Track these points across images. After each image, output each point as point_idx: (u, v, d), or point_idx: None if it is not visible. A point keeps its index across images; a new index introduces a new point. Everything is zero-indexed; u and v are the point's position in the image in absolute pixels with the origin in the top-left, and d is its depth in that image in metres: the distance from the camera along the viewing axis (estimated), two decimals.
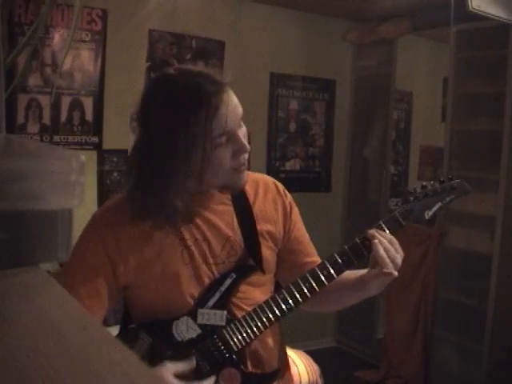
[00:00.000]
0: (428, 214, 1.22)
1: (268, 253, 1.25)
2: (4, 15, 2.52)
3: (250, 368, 1.21)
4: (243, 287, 1.21)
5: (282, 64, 3.68)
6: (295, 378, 2.47)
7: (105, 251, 1.14)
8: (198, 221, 1.18)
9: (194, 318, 1.17)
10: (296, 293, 1.18)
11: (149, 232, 1.14)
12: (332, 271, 1.19)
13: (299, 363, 2.55)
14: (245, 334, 1.17)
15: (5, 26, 2.57)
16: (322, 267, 1.19)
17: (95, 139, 3.08)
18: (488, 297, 2.88)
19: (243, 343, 1.18)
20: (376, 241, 1.15)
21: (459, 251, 3.07)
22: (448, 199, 1.24)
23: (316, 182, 3.95)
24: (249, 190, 1.26)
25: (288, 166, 3.80)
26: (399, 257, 1.15)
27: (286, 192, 1.34)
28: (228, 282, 1.18)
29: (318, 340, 3.76)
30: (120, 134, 3.16)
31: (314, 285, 1.18)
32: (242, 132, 1.13)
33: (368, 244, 1.18)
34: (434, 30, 3.56)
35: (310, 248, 1.35)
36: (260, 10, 3.53)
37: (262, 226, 1.24)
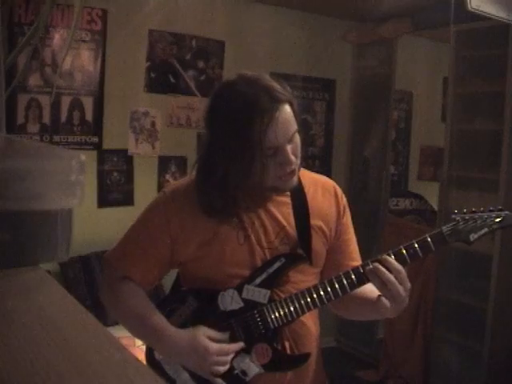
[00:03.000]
0: (473, 237, 1.28)
1: (319, 246, 1.34)
2: (4, 15, 2.52)
3: (282, 347, 1.29)
4: (290, 273, 1.29)
5: (282, 64, 3.67)
6: None
7: (168, 228, 1.27)
8: (258, 208, 1.29)
9: (240, 292, 1.27)
10: (337, 285, 1.25)
11: (210, 215, 1.25)
12: (354, 278, 1.26)
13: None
14: (283, 314, 1.26)
15: (5, 26, 2.57)
16: (348, 274, 1.27)
17: (95, 139, 3.08)
18: (488, 297, 2.88)
19: (280, 322, 1.26)
20: (373, 274, 1.22)
21: (459, 251, 3.07)
22: (495, 227, 1.32)
23: None
24: (307, 187, 1.36)
25: None
26: (401, 289, 1.22)
27: (343, 197, 1.45)
28: (277, 265, 1.27)
29: None
30: (120, 134, 3.17)
31: (356, 281, 1.25)
32: (292, 146, 1.21)
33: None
34: (434, 29, 3.56)
35: (355, 253, 1.43)
36: (260, 10, 3.53)
37: (315, 221, 1.33)
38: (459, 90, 3.12)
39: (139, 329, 1.28)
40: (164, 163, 3.31)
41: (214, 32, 3.37)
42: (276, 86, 1.20)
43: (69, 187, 0.47)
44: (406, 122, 4.32)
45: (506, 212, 1.33)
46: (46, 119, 2.92)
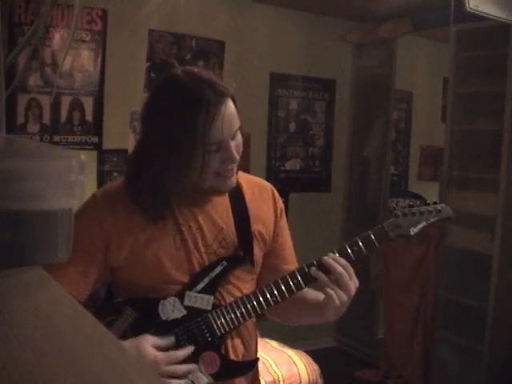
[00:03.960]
0: (413, 231, 1.29)
1: (258, 252, 1.30)
2: (4, 15, 2.52)
3: (230, 355, 1.25)
4: (232, 278, 1.25)
5: (282, 64, 3.68)
6: (295, 377, 2.48)
7: (101, 231, 1.19)
8: (195, 209, 1.23)
9: (181, 300, 1.21)
10: (283, 286, 1.23)
11: (144, 216, 1.19)
12: (300, 280, 1.25)
13: (299, 363, 2.55)
14: (229, 320, 1.22)
15: (5, 26, 2.57)
16: (293, 276, 1.25)
17: (95, 139, 3.08)
18: (488, 297, 2.88)
19: (226, 329, 1.22)
20: (324, 269, 1.21)
21: (459, 251, 3.07)
22: (432, 220, 1.31)
23: (316, 182, 3.95)
24: (246, 189, 1.31)
25: (288, 165, 3.80)
26: (352, 284, 1.20)
27: (280, 199, 1.39)
28: (218, 269, 1.23)
29: (317, 340, 3.76)
30: (120, 134, 3.17)
31: (302, 282, 1.23)
32: (235, 143, 1.17)
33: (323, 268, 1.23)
34: (434, 29, 3.57)
35: (292, 257, 1.40)
36: (260, 10, 3.53)
37: (254, 226, 1.29)
38: (459, 90, 3.12)
39: None
40: None
41: (214, 32, 3.37)
42: (218, 80, 1.17)
43: (69, 187, 0.47)
44: (406, 122, 4.32)
45: (442, 205, 1.33)
46: (46, 119, 2.92)
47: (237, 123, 1.17)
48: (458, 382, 3.07)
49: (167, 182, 1.16)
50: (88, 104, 3.03)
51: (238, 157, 1.18)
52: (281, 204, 1.38)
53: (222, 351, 1.23)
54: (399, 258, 3.32)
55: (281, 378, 2.44)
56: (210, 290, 1.22)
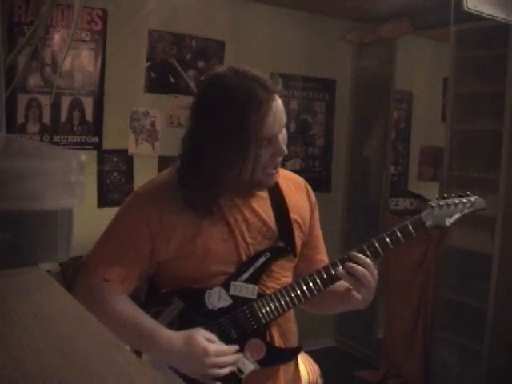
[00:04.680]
0: (448, 222, 1.35)
1: (298, 239, 1.35)
2: (4, 15, 2.52)
3: (274, 342, 1.29)
4: (275, 267, 1.30)
5: (282, 64, 3.67)
6: None
7: (148, 228, 1.23)
8: (240, 203, 1.29)
9: (227, 289, 1.25)
10: (325, 275, 1.27)
11: (194, 212, 1.23)
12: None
13: (299, 363, 2.55)
14: (274, 308, 1.26)
15: (5, 26, 2.57)
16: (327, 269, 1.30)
17: (95, 139, 3.08)
18: (488, 297, 2.88)
19: (271, 317, 1.26)
20: (343, 271, 1.26)
21: (459, 251, 3.07)
22: (466, 211, 1.37)
23: (316, 182, 3.94)
24: (282, 184, 1.36)
25: (288, 165, 3.80)
26: (373, 281, 1.25)
27: (313, 193, 1.46)
28: (262, 259, 1.27)
29: (318, 340, 3.75)
30: (120, 134, 3.17)
31: (327, 278, 1.28)
32: (282, 137, 1.23)
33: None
34: (434, 29, 3.56)
35: (323, 248, 1.47)
36: (260, 10, 3.53)
37: (294, 215, 1.34)
38: (459, 90, 3.12)
39: (132, 333, 1.19)
40: (164, 163, 3.30)
41: (214, 32, 3.37)
42: (265, 77, 1.22)
43: (69, 187, 0.47)
44: (406, 121, 4.32)
45: (476, 197, 1.38)
46: (46, 119, 2.92)
47: (285, 119, 1.23)
48: (458, 382, 3.07)
49: (220, 178, 1.20)
50: (88, 104, 3.03)
51: (286, 151, 1.23)
52: (314, 198, 1.45)
53: (267, 339, 1.27)
54: (399, 258, 3.32)
55: None
56: (254, 279, 1.26)
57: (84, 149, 3.00)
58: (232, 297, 1.25)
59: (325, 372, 2.53)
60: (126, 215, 1.27)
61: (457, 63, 3.12)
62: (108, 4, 3.01)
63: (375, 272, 1.26)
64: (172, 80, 3.28)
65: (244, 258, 1.26)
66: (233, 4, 3.43)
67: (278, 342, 1.30)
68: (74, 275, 1.41)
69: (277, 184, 1.33)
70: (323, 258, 1.43)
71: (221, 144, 1.18)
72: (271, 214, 1.31)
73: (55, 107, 2.93)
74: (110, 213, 1.34)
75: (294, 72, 3.74)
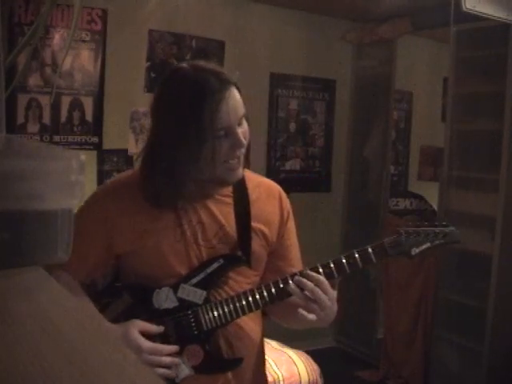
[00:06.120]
0: (415, 251, 1.28)
1: (259, 249, 1.31)
2: (4, 15, 2.52)
3: (214, 350, 1.26)
4: (229, 275, 1.27)
5: (282, 64, 3.68)
6: (295, 377, 2.48)
7: (105, 224, 1.24)
8: (197, 205, 1.26)
9: (175, 291, 1.24)
10: (273, 289, 1.24)
11: (147, 207, 1.23)
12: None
13: (299, 363, 2.55)
14: (217, 316, 1.24)
15: (5, 26, 2.57)
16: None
17: (95, 139, 3.08)
18: (488, 297, 2.88)
19: (213, 324, 1.24)
20: (293, 287, 1.22)
21: (459, 251, 3.07)
22: (437, 243, 1.30)
23: (316, 182, 3.95)
24: (251, 189, 1.33)
25: (288, 165, 3.80)
26: (325, 298, 1.20)
27: (287, 201, 1.40)
28: (215, 265, 1.25)
29: (317, 340, 3.75)
30: (120, 134, 3.16)
31: (280, 292, 1.24)
32: (242, 129, 1.20)
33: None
34: (434, 29, 3.57)
35: (296, 260, 1.40)
36: (260, 10, 3.53)
37: (256, 224, 1.30)
38: (459, 90, 3.12)
39: None
40: None
41: (214, 32, 3.36)
42: (223, 70, 1.22)
43: (69, 187, 0.47)
44: (406, 122, 4.33)
45: (451, 228, 1.31)
46: (46, 119, 2.92)
47: (242, 110, 1.21)
48: (458, 382, 3.07)
49: (179, 170, 1.19)
50: (88, 104, 3.03)
51: (245, 142, 1.20)
52: (288, 206, 1.39)
53: (208, 346, 1.25)
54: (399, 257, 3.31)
55: (281, 378, 2.44)
56: (204, 285, 1.24)
57: (84, 149, 3.00)
58: (179, 299, 1.24)
59: (325, 372, 2.54)
60: (88, 205, 1.26)
61: (457, 63, 3.11)
62: (108, 4, 3.01)
63: (331, 291, 1.22)
64: None
65: (194, 260, 1.25)
66: (233, 4, 3.43)
67: (219, 351, 1.26)
68: None
69: (245, 189, 1.31)
70: (294, 270, 1.33)
71: (175, 138, 1.17)
72: (232, 219, 1.28)
73: (55, 107, 2.93)
74: None
75: (294, 72, 3.74)
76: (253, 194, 1.32)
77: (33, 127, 2.89)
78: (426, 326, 3.23)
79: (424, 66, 4.18)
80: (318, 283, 1.21)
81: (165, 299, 1.23)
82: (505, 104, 2.82)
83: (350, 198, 4.00)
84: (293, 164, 3.82)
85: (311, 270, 1.24)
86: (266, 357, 2.66)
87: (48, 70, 2.88)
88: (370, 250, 1.25)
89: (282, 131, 3.76)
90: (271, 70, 3.65)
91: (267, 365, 2.49)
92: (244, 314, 1.25)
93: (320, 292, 1.20)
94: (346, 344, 3.97)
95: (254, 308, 1.25)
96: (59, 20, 2.84)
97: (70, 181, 0.46)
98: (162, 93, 1.23)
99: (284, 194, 1.40)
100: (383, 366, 3.50)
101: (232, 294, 1.26)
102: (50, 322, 0.45)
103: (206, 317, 1.24)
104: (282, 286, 1.24)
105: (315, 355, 2.62)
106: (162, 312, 1.24)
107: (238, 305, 1.24)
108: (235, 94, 1.19)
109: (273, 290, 1.24)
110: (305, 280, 1.21)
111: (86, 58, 2.99)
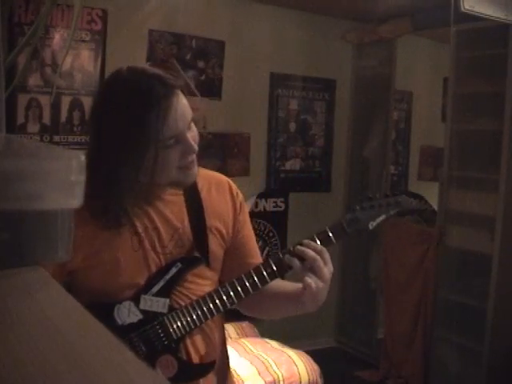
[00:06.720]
0: (372, 225, 1.27)
1: (216, 248, 1.27)
2: (4, 15, 2.52)
3: (187, 357, 1.22)
4: (189, 278, 1.23)
5: (282, 64, 3.68)
6: (295, 377, 2.48)
7: None
8: (150, 210, 1.20)
9: (137, 303, 1.18)
10: (239, 287, 1.21)
11: (99, 220, 1.16)
12: (275, 268, 1.22)
13: (299, 363, 2.56)
14: (185, 323, 1.19)
15: (5, 26, 2.57)
16: (266, 265, 1.23)
17: None
18: (488, 297, 2.88)
19: (183, 332, 1.20)
20: (299, 255, 1.18)
21: (459, 251, 3.07)
22: (392, 212, 1.29)
23: (316, 182, 3.95)
24: (201, 185, 1.28)
25: (288, 165, 3.80)
26: (326, 270, 1.17)
27: (239, 192, 1.35)
28: (173, 271, 1.20)
29: (318, 340, 3.75)
30: None
31: (257, 281, 1.21)
32: (191, 134, 1.15)
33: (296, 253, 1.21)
34: (434, 29, 3.56)
35: (255, 250, 1.37)
36: (260, 10, 3.53)
37: (211, 222, 1.26)
38: (459, 90, 3.12)
39: None
40: None
41: (214, 32, 3.37)
42: (165, 73, 1.14)
43: (69, 187, 0.47)
44: (406, 122, 4.32)
45: (403, 196, 1.30)
46: (46, 119, 2.92)
47: (190, 114, 1.15)
48: (458, 382, 3.07)
49: (121, 182, 1.12)
50: (88, 104, 3.03)
51: (196, 147, 1.15)
52: (240, 198, 1.34)
53: (180, 354, 1.21)
54: (399, 257, 3.32)
55: (281, 378, 2.44)
56: (165, 292, 1.20)
57: (84, 149, 2.98)
58: (142, 311, 1.18)
59: (325, 372, 2.54)
60: None
61: (457, 63, 3.11)
62: (108, 4, 3.01)
63: (331, 264, 1.19)
64: None
65: (154, 268, 1.19)
66: (233, 4, 3.43)
67: (193, 356, 1.22)
68: None
69: (195, 186, 1.25)
70: (254, 261, 1.32)
71: (117, 147, 1.10)
72: (186, 220, 1.23)
73: (55, 107, 2.93)
74: None
75: (294, 72, 3.74)
76: (203, 190, 1.28)
77: (33, 127, 2.89)
78: (425, 326, 3.23)
79: (424, 65, 4.18)
80: (321, 253, 1.18)
81: (127, 314, 1.17)
82: (505, 104, 2.82)
83: (350, 198, 4.00)
84: (293, 164, 3.82)
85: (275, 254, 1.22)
86: (266, 357, 2.66)
87: (48, 70, 2.88)
88: (329, 232, 1.23)
89: (281, 131, 3.76)
90: (271, 69, 3.65)
91: (267, 365, 2.50)
92: (212, 316, 1.21)
93: (321, 262, 1.17)
94: (346, 344, 3.97)
95: (221, 309, 1.22)
96: (59, 20, 2.84)
97: (69, 181, 0.46)
98: (102, 99, 1.17)
99: (234, 186, 1.35)
100: (383, 366, 3.50)
101: (194, 297, 1.22)
102: (50, 322, 0.45)
103: (174, 325, 1.19)
104: (247, 283, 1.21)
105: (315, 355, 2.62)
106: (127, 328, 1.17)
107: (205, 308, 1.20)
108: (182, 99, 1.13)
109: (238, 287, 1.21)
110: (306, 249, 1.18)
111: (86, 58, 2.99)
